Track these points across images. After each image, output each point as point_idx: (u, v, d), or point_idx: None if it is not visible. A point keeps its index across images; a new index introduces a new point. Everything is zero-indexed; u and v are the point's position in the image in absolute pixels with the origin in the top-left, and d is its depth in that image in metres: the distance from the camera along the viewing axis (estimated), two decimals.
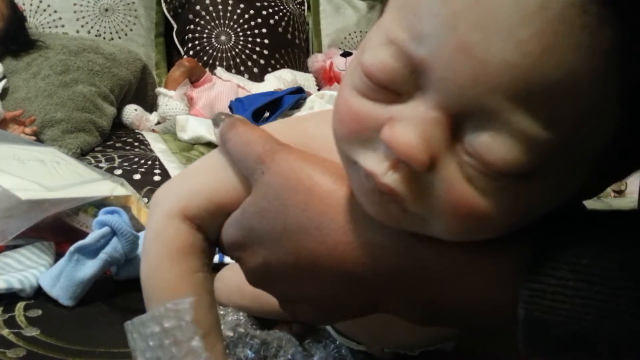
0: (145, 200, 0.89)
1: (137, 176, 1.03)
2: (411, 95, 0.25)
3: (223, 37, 1.97)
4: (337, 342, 0.48)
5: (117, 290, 0.57)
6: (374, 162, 0.26)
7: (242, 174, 0.33)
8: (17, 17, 1.45)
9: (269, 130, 0.34)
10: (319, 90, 1.87)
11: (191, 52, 1.95)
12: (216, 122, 0.35)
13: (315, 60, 2.02)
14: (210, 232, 0.36)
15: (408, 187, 0.25)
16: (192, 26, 1.99)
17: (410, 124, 0.24)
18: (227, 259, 0.69)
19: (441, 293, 0.29)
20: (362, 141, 0.26)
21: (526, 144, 0.23)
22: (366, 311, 0.32)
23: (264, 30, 2.01)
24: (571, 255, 0.26)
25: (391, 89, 0.25)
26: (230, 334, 0.49)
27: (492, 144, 0.23)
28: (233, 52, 1.96)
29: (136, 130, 1.50)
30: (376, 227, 0.29)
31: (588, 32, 0.22)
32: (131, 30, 1.88)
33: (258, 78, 1.87)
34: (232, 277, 0.53)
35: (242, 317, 0.51)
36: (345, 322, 0.43)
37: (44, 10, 1.75)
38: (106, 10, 1.84)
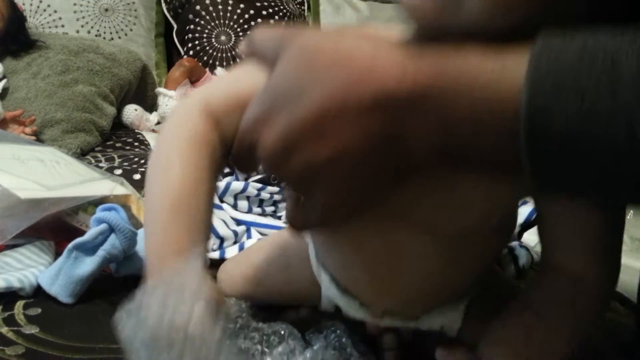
0: None
1: (137, 176, 1.03)
2: None
3: (223, 37, 1.98)
4: (338, 332, 0.48)
5: (117, 288, 0.57)
6: None
7: (262, 69, 0.34)
8: (17, 17, 1.45)
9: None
10: None
11: (191, 52, 1.95)
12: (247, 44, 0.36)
13: None
14: (226, 132, 0.37)
15: None
16: (192, 26, 1.99)
17: None
18: (227, 254, 0.70)
19: (455, 104, 0.29)
20: None
21: None
22: (387, 174, 0.32)
23: None
24: (574, 40, 0.27)
25: None
26: (231, 325, 0.50)
27: None
28: (233, 52, 1.96)
29: (136, 130, 1.50)
30: (398, 54, 0.30)
31: None
32: (131, 30, 1.88)
33: None
34: (235, 267, 0.54)
35: (244, 307, 0.51)
36: (353, 273, 0.44)
37: (44, 10, 1.75)
38: (106, 10, 1.84)
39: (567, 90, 0.26)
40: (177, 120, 0.39)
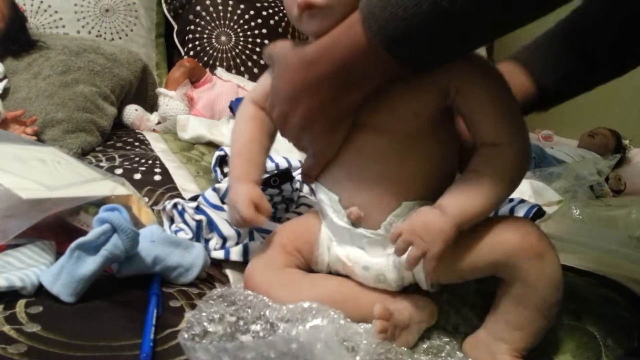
0: (146, 199, 0.90)
1: (137, 176, 1.03)
2: None
3: (223, 38, 1.98)
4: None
5: (118, 287, 0.58)
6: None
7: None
8: (18, 18, 1.45)
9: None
10: None
11: (191, 53, 1.96)
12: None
13: None
14: (264, 109, 0.66)
15: None
16: (192, 26, 1.99)
17: None
18: (232, 255, 0.72)
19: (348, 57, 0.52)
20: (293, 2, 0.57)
21: None
22: (330, 89, 0.55)
23: (264, 31, 2.02)
24: None
25: None
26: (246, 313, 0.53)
27: None
28: (233, 53, 1.96)
29: (137, 130, 1.50)
30: (309, 50, 0.55)
31: None
32: (132, 30, 1.88)
33: (258, 78, 1.87)
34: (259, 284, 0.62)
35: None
36: (334, 175, 0.62)
37: (45, 10, 1.75)
38: (107, 10, 1.84)
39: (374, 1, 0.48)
40: (241, 107, 0.69)
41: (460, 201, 0.55)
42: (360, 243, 0.61)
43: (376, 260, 0.61)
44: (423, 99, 0.57)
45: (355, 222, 0.61)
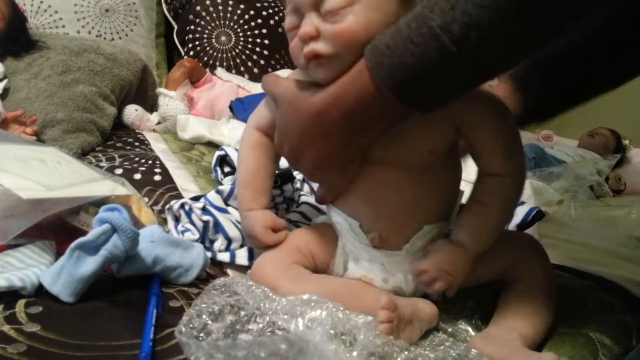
0: (146, 199, 0.90)
1: (137, 176, 1.03)
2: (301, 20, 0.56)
3: (223, 38, 1.98)
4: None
5: (118, 287, 0.58)
6: (305, 47, 0.56)
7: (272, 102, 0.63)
8: (18, 18, 1.45)
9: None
10: None
11: (191, 53, 1.96)
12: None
13: None
14: (271, 136, 0.64)
15: (317, 43, 0.55)
16: (192, 27, 1.99)
17: (303, 26, 0.56)
18: (237, 259, 0.73)
19: (347, 97, 0.54)
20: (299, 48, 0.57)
21: None
22: (342, 137, 0.56)
23: (264, 31, 2.02)
24: (381, 34, 0.51)
25: (295, 27, 0.57)
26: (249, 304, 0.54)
27: (327, 4, 0.54)
28: (233, 53, 1.96)
29: (137, 130, 1.50)
30: (318, 99, 0.55)
31: None
32: (132, 30, 1.88)
33: (258, 78, 1.87)
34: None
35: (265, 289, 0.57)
36: (354, 205, 0.63)
37: (45, 10, 1.75)
38: (107, 10, 1.85)
39: (382, 49, 0.49)
40: (245, 133, 0.69)
41: (476, 237, 0.60)
42: (380, 260, 0.63)
43: (394, 276, 0.63)
44: (437, 135, 0.59)
45: (377, 245, 0.63)
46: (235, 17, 2.01)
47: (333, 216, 0.66)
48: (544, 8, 0.44)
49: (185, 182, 1.04)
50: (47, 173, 0.70)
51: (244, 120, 1.26)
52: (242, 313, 0.52)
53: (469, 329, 0.62)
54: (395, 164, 0.60)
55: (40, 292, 0.54)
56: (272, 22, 2.05)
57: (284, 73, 1.83)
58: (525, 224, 0.89)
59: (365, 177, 0.61)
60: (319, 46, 0.54)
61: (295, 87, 0.58)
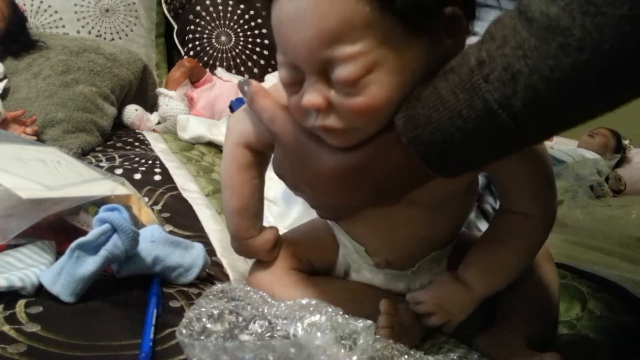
0: (146, 199, 0.90)
1: (137, 175, 1.03)
2: (303, 78, 0.45)
3: (223, 38, 1.98)
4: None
5: (119, 287, 0.58)
6: (312, 118, 0.46)
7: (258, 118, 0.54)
8: (18, 18, 1.45)
9: (271, 90, 0.53)
10: None
11: (191, 53, 1.96)
12: (241, 87, 0.55)
13: None
14: (263, 153, 0.58)
15: (328, 117, 0.45)
16: (192, 27, 1.99)
17: (307, 92, 0.44)
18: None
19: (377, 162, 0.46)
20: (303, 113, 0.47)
21: (351, 64, 0.41)
22: (361, 199, 0.50)
23: (264, 31, 2.02)
24: (414, 97, 0.43)
25: (295, 82, 0.46)
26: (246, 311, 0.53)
27: (339, 72, 0.42)
28: (233, 53, 1.96)
29: (137, 130, 1.50)
30: (336, 164, 0.47)
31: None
32: (132, 30, 1.88)
33: (258, 78, 1.88)
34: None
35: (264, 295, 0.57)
36: (360, 230, 0.59)
37: (45, 10, 1.75)
38: (107, 10, 1.85)
39: (420, 122, 0.42)
40: (233, 152, 0.58)
41: (487, 279, 0.55)
42: (383, 274, 0.62)
43: (397, 286, 0.63)
44: (459, 179, 0.51)
45: (382, 268, 0.61)
46: (235, 17, 2.01)
47: (336, 232, 0.64)
48: (626, 74, 0.36)
49: (186, 182, 1.04)
50: (47, 173, 0.70)
51: None
52: (241, 318, 0.52)
53: (470, 330, 0.62)
54: (408, 202, 0.52)
55: (40, 292, 0.54)
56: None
57: None
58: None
59: (374, 211, 0.54)
60: (331, 121, 0.44)
61: (301, 134, 0.49)
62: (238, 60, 1.96)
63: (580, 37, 0.34)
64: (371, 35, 0.41)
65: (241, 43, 1.98)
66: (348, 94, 0.43)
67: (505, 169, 0.52)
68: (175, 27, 2.04)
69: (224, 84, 1.76)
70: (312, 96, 0.44)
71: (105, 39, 1.81)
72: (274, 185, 0.87)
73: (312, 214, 0.71)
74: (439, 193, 0.53)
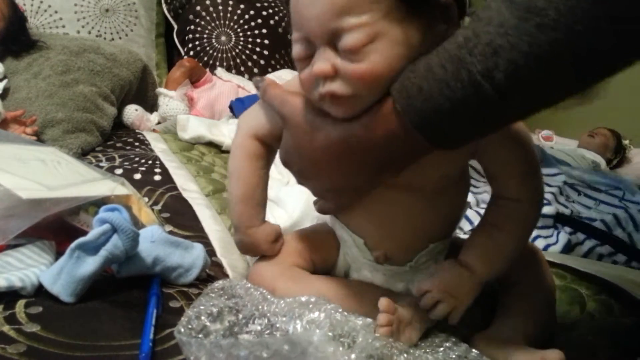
0: (146, 199, 0.90)
1: (137, 175, 1.03)
2: (314, 52, 0.50)
3: (223, 38, 1.98)
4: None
5: (119, 288, 0.58)
6: (320, 86, 0.50)
7: (270, 109, 0.59)
8: (18, 18, 1.45)
9: (285, 84, 0.59)
10: None
11: (191, 53, 1.96)
12: (256, 84, 0.60)
13: None
14: (271, 146, 0.61)
15: (334, 83, 0.49)
16: (192, 27, 2.00)
17: (317, 61, 0.49)
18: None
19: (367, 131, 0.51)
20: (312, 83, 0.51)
21: (357, 32, 0.47)
22: (364, 175, 0.54)
23: (264, 31, 2.02)
24: (409, 70, 0.47)
25: (306, 56, 0.51)
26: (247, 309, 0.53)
27: (345, 40, 0.47)
28: (233, 53, 1.96)
29: (137, 130, 1.50)
30: (338, 135, 0.52)
31: None
32: (132, 30, 1.88)
33: None
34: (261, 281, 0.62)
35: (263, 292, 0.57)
36: (360, 222, 0.62)
37: (45, 10, 1.75)
38: (107, 10, 1.85)
39: (413, 91, 0.46)
40: (241, 142, 0.62)
41: (487, 261, 0.58)
42: (382, 272, 0.63)
43: (396, 286, 0.64)
44: (451, 161, 0.57)
45: (381, 262, 0.62)
46: (235, 17, 2.01)
47: (336, 228, 0.65)
48: (598, 56, 0.39)
49: (186, 182, 1.04)
50: (47, 173, 0.70)
51: None
52: (241, 315, 0.52)
53: (470, 329, 0.62)
54: (406, 188, 0.57)
55: (40, 292, 0.54)
56: (272, 22, 2.05)
57: (285, 74, 1.84)
58: None
59: (374, 198, 0.58)
60: (337, 86, 0.49)
61: (309, 113, 0.54)
62: (238, 60, 1.96)
63: (555, 17, 0.38)
64: (376, 9, 0.47)
65: (241, 43, 1.98)
66: (353, 61, 0.48)
67: (491, 153, 0.57)
68: (175, 27, 2.04)
69: (224, 84, 1.76)
70: (322, 64, 0.49)
71: (105, 39, 1.81)
72: (275, 185, 0.87)
73: (313, 214, 0.72)
74: (434, 178, 0.57)
